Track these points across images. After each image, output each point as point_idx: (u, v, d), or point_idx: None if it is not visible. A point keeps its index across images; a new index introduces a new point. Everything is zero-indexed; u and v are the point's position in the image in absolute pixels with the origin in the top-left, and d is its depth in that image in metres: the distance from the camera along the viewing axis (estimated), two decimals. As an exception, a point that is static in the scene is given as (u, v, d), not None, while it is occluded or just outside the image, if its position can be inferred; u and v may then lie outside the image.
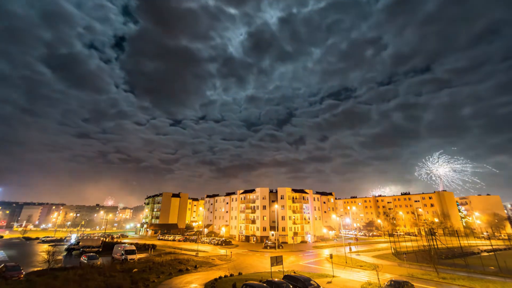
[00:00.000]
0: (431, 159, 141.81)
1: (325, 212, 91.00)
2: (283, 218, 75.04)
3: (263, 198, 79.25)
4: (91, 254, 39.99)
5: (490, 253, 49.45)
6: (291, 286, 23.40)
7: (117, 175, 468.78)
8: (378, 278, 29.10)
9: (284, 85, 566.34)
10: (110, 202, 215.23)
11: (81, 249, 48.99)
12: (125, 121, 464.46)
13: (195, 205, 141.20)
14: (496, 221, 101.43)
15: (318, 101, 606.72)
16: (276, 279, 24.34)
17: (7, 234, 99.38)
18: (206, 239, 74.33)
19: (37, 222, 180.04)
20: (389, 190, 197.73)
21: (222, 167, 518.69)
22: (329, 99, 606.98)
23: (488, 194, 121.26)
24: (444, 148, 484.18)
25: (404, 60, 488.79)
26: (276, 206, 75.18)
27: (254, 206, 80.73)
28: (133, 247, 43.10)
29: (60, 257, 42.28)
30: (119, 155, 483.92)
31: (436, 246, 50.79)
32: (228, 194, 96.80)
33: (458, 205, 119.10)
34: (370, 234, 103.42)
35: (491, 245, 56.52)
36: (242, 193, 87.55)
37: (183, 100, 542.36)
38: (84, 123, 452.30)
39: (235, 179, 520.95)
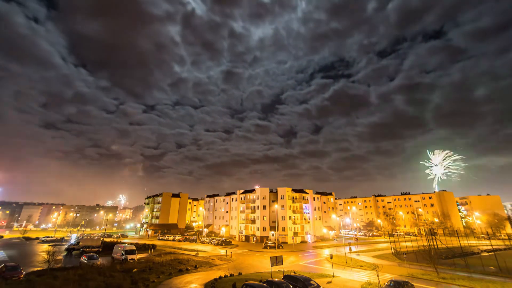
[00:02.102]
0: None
1: (325, 212, 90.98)
2: (283, 218, 75.02)
3: (263, 198, 79.22)
4: (91, 254, 39.97)
5: (490, 253, 49.42)
6: (291, 286, 23.38)
7: (101, 173, 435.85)
8: (378, 278, 29.09)
9: (265, 57, 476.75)
10: (109, 202, 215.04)
11: (81, 249, 48.97)
12: (88, 106, 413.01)
13: (195, 205, 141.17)
14: (496, 221, 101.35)
15: (307, 79, 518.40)
16: (276, 279, 24.32)
17: (7, 234, 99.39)
18: (206, 239, 74.32)
19: (37, 222, 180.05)
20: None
21: (210, 163, 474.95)
22: (320, 75, 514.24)
23: (488, 194, 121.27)
24: (452, 140, 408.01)
25: (413, 17, 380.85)
26: (276, 206, 75.15)
27: (254, 206, 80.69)
28: (133, 247, 43.06)
29: (60, 257, 42.30)
30: (96, 149, 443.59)
31: (436, 246, 50.79)
32: (228, 194, 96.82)
33: (458, 205, 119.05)
34: (370, 234, 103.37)
35: (491, 245, 56.50)
36: (242, 193, 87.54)
37: (146, 77, 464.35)
38: (43, 109, 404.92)
39: (227, 177, 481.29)
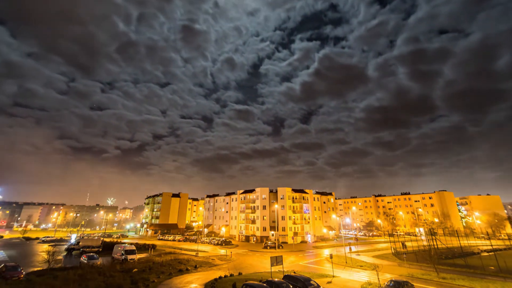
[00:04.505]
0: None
1: (325, 212, 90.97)
2: (283, 218, 75.01)
3: (263, 198, 79.22)
4: (91, 254, 39.98)
5: (490, 253, 49.42)
6: (291, 286, 23.37)
7: (86, 170, 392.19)
8: (378, 278, 29.08)
9: (231, 5, 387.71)
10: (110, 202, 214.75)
11: (81, 249, 48.96)
12: (30, 83, 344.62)
13: (195, 205, 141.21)
14: (496, 221, 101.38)
15: (286, 41, 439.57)
16: (276, 279, 24.31)
17: (7, 234, 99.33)
18: (206, 239, 74.32)
19: (37, 222, 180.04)
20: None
21: (195, 159, 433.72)
22: (302, 36, 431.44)
23: (488, 194, 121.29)
24: (463, 130, 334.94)
25: None
26: (276, 206, 75.14)
27: (254, 206, 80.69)
28: (133, 247, 43.07)
29: (60, 257, 42.27)
30: (66, 141, 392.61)
31: (436, 246, 50.79)
32: (228, 194, 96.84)
33: (458, 205, 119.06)
34: (370, 234, 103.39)
35: (491, 245, 56.50)
36: (242, 193, 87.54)
37: (86, 39, 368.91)
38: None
39: (217, 174, 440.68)
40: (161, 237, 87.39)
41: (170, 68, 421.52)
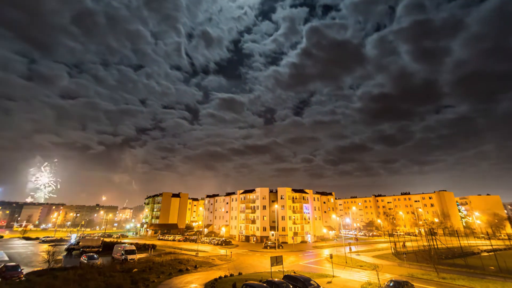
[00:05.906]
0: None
1: (325, 212, 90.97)
2: (283, 218, 75.00)
3: (263, 198, 79.20)
4: (91, 254, 39.98)
5: (490, 253, 49.41)
6: (291, 286, 23.38)
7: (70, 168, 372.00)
8: (378, 278, 29.08)
9: None
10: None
11: (81, 249, 48.94)
12: None
13: (195, 205, 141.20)
14: (496, 221, 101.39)
15: (266, 4, 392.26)
16: (276, 279, 24.32)
17: (7, 234, 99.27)
18: (206, 239, 74.32)
19: (37, 222, 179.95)
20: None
21: (185, 156, 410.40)
22: (284, 2, 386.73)
23: (488, 194, 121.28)
24: (471, 121, 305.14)
25: None
26: (276, 206, 75.13)
27: (254, 206, 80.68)
28: (133, 247, 43.05)
29: (60, 257, 42.25)
30: (45, 136, 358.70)
31: (436, 246, 50.77)
32: (228, 194, 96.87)
33: (458, 205, 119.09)
34: (370, 234, 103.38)
35: (491, 245, 56.49)
36: (242, 193, 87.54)
37: (27, 2, 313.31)
38: None
39: (211, 173, 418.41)
40: (161, 237, 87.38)
41: (139, 45, 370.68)
